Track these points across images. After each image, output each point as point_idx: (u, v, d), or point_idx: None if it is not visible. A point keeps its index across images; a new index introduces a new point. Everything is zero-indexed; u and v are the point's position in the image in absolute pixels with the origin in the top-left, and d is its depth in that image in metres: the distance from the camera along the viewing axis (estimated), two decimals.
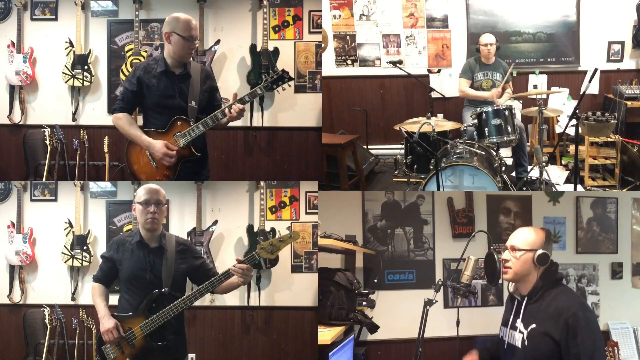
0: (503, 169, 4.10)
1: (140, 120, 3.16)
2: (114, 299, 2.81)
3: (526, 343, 2.28)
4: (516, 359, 2.33)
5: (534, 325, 2.26)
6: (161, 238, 2.77)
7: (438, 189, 3.62)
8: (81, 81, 4.52)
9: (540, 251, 2.32)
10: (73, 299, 4.44)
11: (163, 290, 2.68)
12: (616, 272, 4.69)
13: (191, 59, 3.08)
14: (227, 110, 2.93)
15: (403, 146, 4.29)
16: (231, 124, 3.06)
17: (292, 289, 4.46)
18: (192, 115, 2.99)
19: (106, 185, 4.52)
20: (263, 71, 4.46)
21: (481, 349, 2.70)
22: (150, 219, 2.71)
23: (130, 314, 2.69)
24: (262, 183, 4.45)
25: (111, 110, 3.11)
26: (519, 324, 2.34)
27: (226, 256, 4.43)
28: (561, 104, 5.69)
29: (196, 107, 3.01)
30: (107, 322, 2.66)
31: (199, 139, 3.02)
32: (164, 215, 2.79)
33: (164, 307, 2.64)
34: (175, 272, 2.74)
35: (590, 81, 3.89)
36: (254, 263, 2.61)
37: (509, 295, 2.54)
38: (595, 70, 3.92)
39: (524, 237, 2.39)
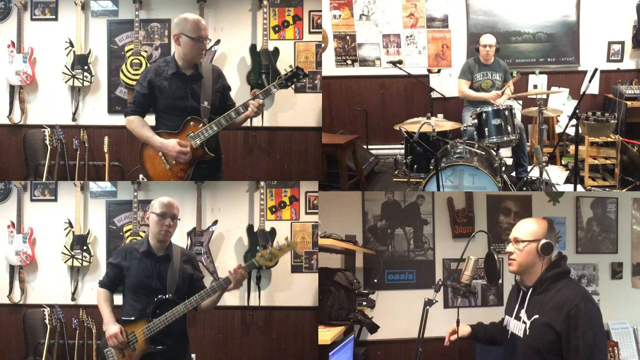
0: (503, 169, 4.10)
1: (152, 121, 3.10)
2: (118, 299, 2.85)
3: (527, 333, 2.29)
4: (518, 349, 2.35)
5: (536, 316, 2.27)
6: (168, 247, 2.84)
7: (438, 189, 3.62)
8: (81, 81, 4.52)
9: (543, 241, 2.32)
10: (73, 299, 4.44)
11: (167, 296, 2.74)
12: (616, 272, 4.69)
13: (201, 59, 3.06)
14: (248, 106, 2.90)
15: (403, 146, 4.29)
16: None
17: (292, 289, 4.46)
18: (205, 115, 2.97)
19: (106, 185, 4.52)
20: (263, 71, 4.46)
21: (477, 325, 2.73)
22: (165, 232, 2.78)
23: (134, 318, 2.74)
24: (262, 183, 4.45)
25: (124, 113, 3.07)
26: (523, 314, 2.34)
27: (226, 256, 4.43)
28: (561, 104, 5.69)
29: (209, 107, 2.98)
30: (112, 328, 2.72)
31: (212, 140, 3.00)
32: (175, 229, 2.86)
33: (167, 312, 2.70)
34: (180, 279, 2.80)
35: (590, 81, 3.89)
36: (252, 269, 2.69)
37: (514, 285, 2.54)
38: (595, 70, 3.93)
39: (527, 228, 2.38)
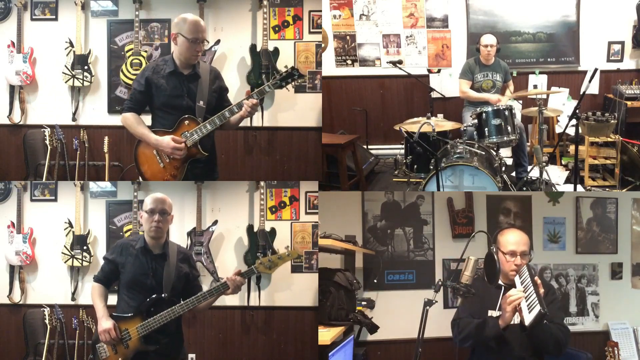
0: (503, 169, 4.10)
1: (148, 120, 3.15)
2: (112, 299, 2.84)
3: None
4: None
5: None
6: (164, 245, 2.85)
7: (438, 189, 3.62)
8: (81, 81, 4.52)
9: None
10: (73, 299, 4.44)
11: (163, 295, 2.74)
12: (616, 272, 4.68)
13: (200, 60, 3.07)
14: (242, 106, 2.92)
15: (403, 146, 4.29)
16: None
17: (292, 289, 4.46)
18: (200, 114, 2.99)
19: (106, 185, 4.52)
20: (263, 71, 4.46)
21: None
22: (155, 228, 2.79)
23: (128, 315, 2.73)
24: (262, 183, 4.45)
25: (120, 110, 3.13)
26: None
27: (226, 256, 4.43)
28: (561, 104, 5.69)
29: (204, 106, 3.00)
30: (105, 323, 2.71)
31: (207, 139, 3.02)
32: (168, 225, 2.88)
33: (162, 311, 2.70)
34: (175, 278, 2.80)
35: (590, 81, 3.90)
36: (251, 276, 2.78)
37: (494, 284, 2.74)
38: (595, 70, 3.93)
39: None
